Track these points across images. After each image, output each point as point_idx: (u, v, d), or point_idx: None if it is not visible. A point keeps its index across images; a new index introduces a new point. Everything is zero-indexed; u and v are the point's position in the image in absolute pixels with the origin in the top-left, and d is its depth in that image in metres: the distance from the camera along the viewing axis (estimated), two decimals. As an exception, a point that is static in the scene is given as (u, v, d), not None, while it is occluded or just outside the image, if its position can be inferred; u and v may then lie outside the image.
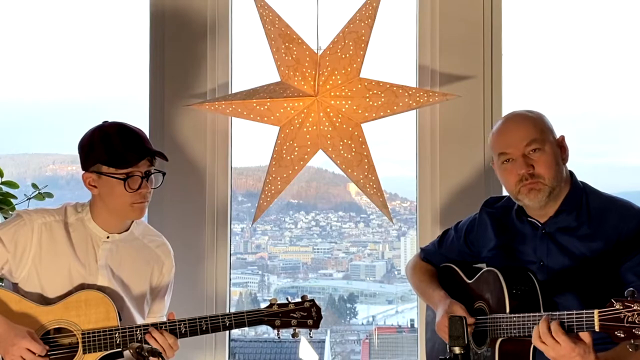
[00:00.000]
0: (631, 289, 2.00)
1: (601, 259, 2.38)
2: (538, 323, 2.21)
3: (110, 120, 2.60)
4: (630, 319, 1.96)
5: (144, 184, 2.52)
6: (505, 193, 2.73)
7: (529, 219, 2.52)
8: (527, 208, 2.51)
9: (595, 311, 2.04)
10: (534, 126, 2.45)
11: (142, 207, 2.56)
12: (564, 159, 2.49)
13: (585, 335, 2.11)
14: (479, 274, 2.58)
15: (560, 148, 2.48)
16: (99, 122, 2.61)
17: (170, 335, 2.49)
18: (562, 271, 2.43)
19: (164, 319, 2.72)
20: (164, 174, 2.60)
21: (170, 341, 2.48)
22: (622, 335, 1.98)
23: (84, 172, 2.57)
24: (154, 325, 2.52)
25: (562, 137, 2.50)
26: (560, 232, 2.46)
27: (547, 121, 2.50)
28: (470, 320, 2.48)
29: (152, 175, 2.55)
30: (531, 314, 2.29)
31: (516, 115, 2.52)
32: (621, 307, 1.98)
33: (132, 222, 2.65)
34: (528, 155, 2.42)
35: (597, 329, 2.04)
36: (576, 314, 2.12)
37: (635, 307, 1.96)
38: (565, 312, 2.16)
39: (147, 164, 2.53)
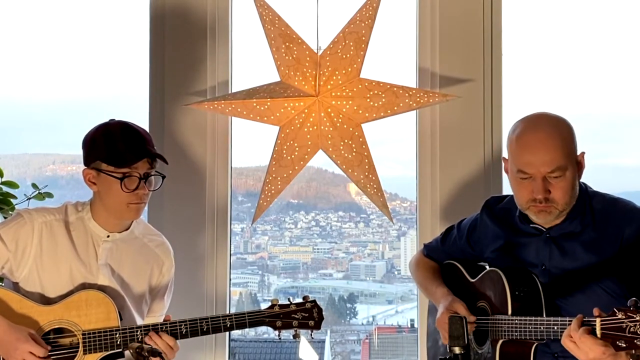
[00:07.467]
0: (634, 298, 1.98)
1: (604, 261, 2.36)
2: (539, 327, 2.21)
3: (117, 119, 2.59)
4: (632, 329, 1.95)
5: (142, 185, 2.50)
6: (506, 192, 2.72)
7: (532, 225, 2.49)
8: (531, 218, 2.48)
9: (598, 319, 2.03)
10: (562, 149, 2.34)
11: (138, 208, 2.54)
12: (579, 176, 2.42)
13: None
14: (482, 273, 2.57)
15: (578, 165, 2.40)
16: (99, 122, 2.59)
17: (169, 338, 2.48)
18: (564, 275, 2.41)
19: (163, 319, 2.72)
20: (163, 177, 2.57)
21: (171, 343, 2.47)
22: (624, 345, 1.97)
23: (84, 167, 2.56)
24: (155, 326, 2.51)
25: (582, 155, 2.42)
26: (565, 237, 2.43)
27: (574, 136, 2.40)
28: (471, 318, 2.47)
29: (152, 178, 2.54)
30: (532, 318, 2.29)
31: (545, 131, 2.36)
32: (623, 317, 1.97)
33: (133, 221, 2.64)
34: (548, 178, 2.34)
35: (598, 336, 2.02)
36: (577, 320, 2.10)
37: (637, 318, 1.94)
38: (567, 318, 2.15)
39: (146, 166, 2.51)
